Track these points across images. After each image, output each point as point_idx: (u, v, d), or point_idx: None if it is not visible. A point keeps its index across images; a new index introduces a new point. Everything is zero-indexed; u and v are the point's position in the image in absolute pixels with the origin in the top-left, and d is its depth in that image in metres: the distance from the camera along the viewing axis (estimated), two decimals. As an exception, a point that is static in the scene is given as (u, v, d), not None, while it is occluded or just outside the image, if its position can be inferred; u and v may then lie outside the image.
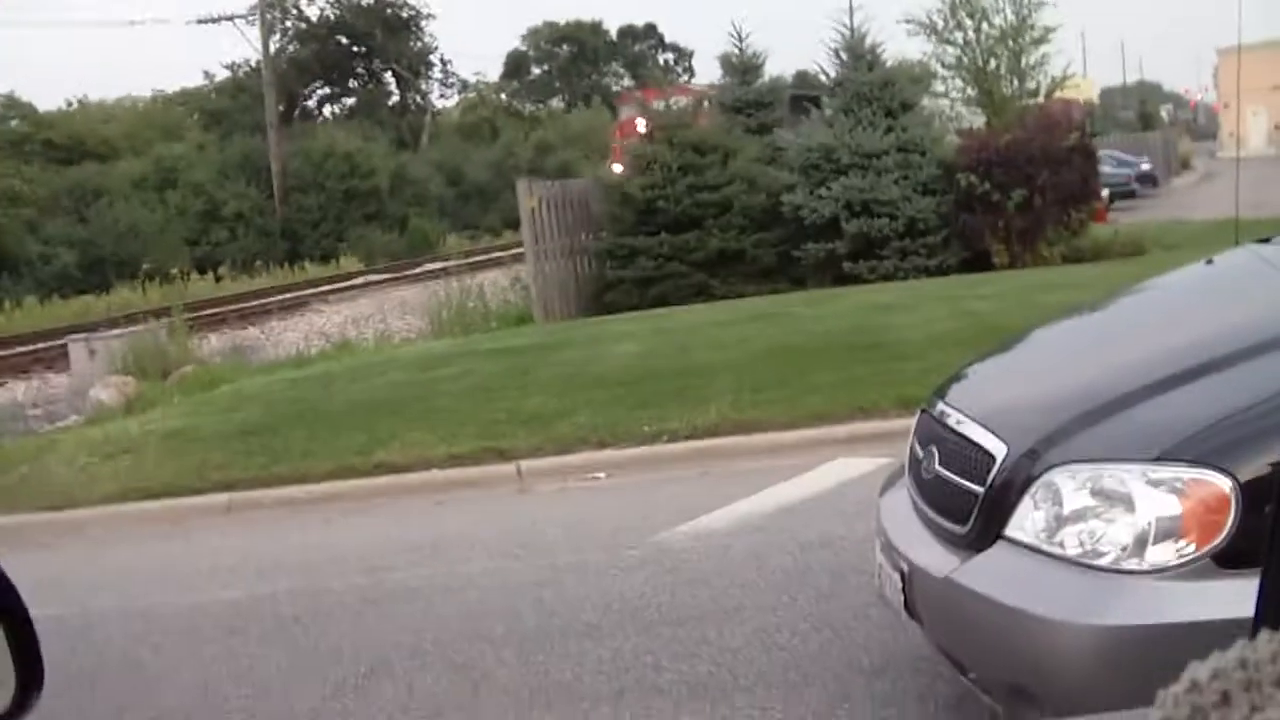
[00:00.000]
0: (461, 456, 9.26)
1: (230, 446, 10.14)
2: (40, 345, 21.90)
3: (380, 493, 9.04)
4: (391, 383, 11.83)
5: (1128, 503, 3.14)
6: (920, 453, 4.04)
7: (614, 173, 38.44)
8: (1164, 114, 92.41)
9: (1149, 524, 3.09)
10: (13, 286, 35.34)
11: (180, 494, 9.43)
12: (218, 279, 34.66)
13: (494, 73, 79.77)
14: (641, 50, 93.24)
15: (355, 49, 63.07)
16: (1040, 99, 24.53)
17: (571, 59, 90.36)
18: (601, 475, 8.80)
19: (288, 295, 28.34)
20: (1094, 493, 3.22)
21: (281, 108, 51.50)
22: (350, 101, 65.59)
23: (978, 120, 23.01)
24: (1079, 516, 3.23)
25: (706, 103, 33.54)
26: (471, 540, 7.49)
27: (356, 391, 11.60)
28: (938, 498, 3.81)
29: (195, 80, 64.04)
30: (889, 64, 18.87)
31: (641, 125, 38.22)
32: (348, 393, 11.59)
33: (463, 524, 8.01)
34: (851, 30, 18.67)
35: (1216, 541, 3.00)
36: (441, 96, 71.00)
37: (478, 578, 6.63)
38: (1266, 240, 4.79)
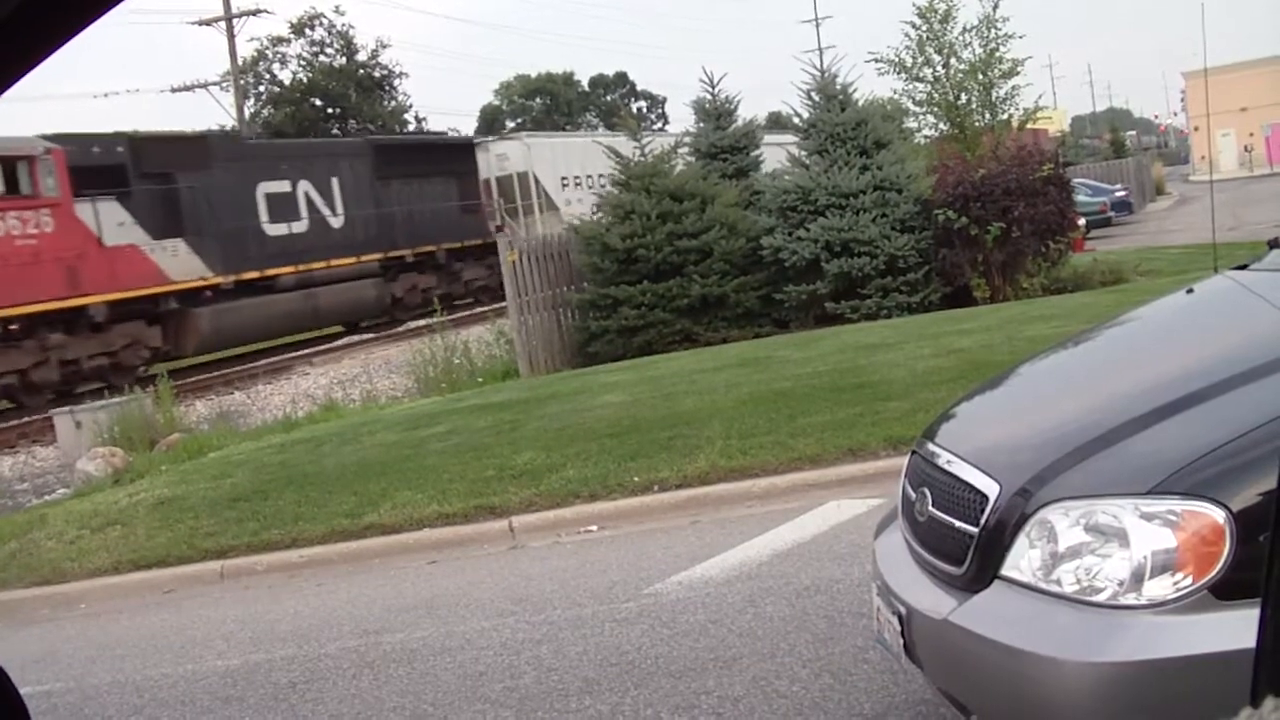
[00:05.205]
0: (453, 515, 9.25)
1: (221, 514, 10.11)
2: (25, 419, 21.77)
3: (373, 554, 9.02)
4: (380, 443, 11.81)
5: (1122, 537, 3.15)
6: (913, 494, 4.05)
7: None
8: (1127, 141, 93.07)
9: (1145, 558, 3.10)
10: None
11: (172, 563, 9.41)
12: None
13: (468, 128, 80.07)
14: (614, 99, 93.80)
15: (329, 111, 63.28)
16: (1014, 130, 24.77)
17: (545, 111, 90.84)
18: (594, 528, 8.79)
19: (272, 358, 28.22)
20: (1088, 529, 3.23)
21: (258, 171, 51.50)
22: (327, 162, 65.73)
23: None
24: (1074, 553, 3.24)
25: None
26: (466, 599, 7.47)
27: (346, 454, 11.58)
28: (932, 539, 3.81)
29: (171, 148, 64.02)
30: (861, 103, 18.95)
31: None
32: (337, 455, 11.57)
33: (457, 583, 7.99)
34: (822, 71, 18.79)
35: (1213, 573, 3.01)
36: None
37: (474, 637, 6.61)
38: (1244, 266, 4.82)
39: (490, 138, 43.50)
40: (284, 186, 30.14)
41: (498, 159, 38.39)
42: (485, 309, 28.24)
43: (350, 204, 32.04)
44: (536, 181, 38.01)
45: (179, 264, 26.57)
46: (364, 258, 32.22)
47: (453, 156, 37.25)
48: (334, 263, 31.00)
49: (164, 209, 26.27)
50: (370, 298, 32.60)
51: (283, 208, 29.92)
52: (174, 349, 26.66)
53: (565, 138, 45.71)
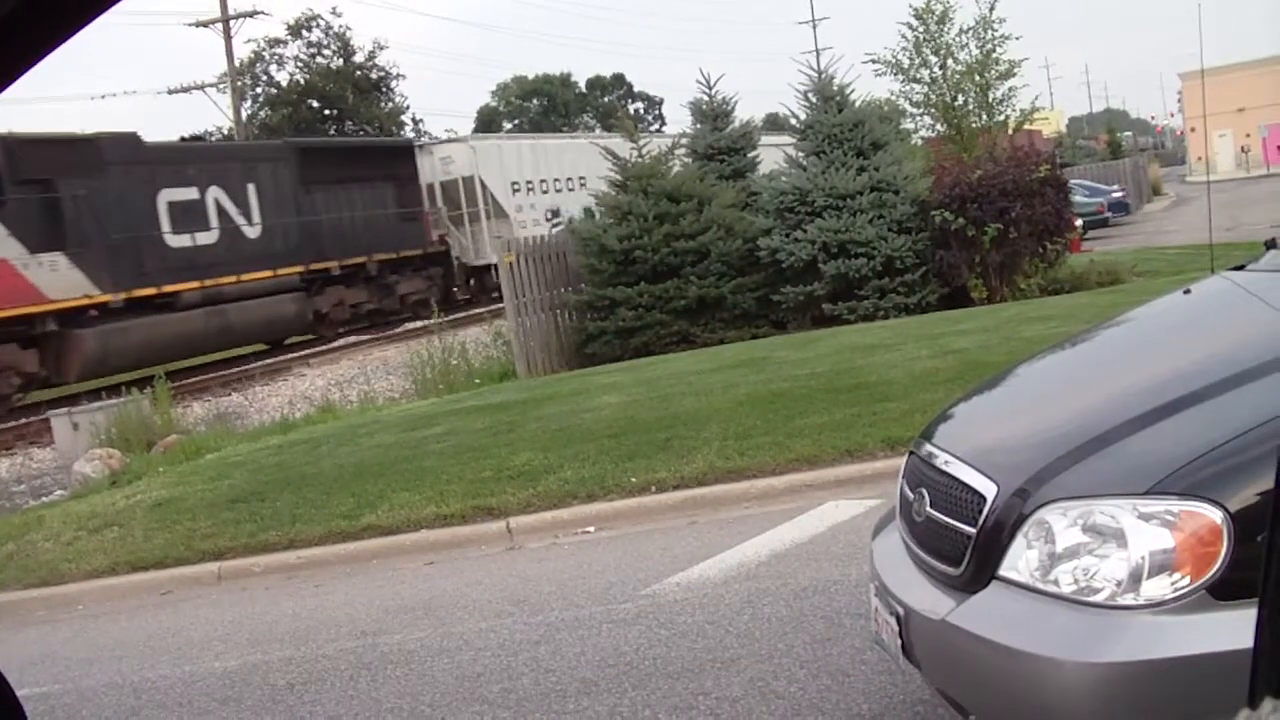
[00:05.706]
0: (451, 516, 9.24)
1: (218, 515, 10.10)
2: (23, 420, 21.72)
3: (371, 556, 9.01)
4: (378, 445, 11.81)
5: (1120, 538, 3.14)
6: (910, 495, 4.05)
7: None
8: (1124, 142, 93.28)
9: (1142, 558, 3.09)
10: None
11: (169, 565, 9.40)
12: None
13: (466, 129, 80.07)
14: (611, 100, 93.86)
15: (327, 112, 63.31)
16: (1009, 132, 24.81)
17: (543, 112, 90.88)
18: (592, 529, 8.79)
19: (270, 360, 28.16)
20: (1086, 529, 3.22)
21: (255, 172, 51.52)
22: (324, 163, 65.86)
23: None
24: (1072, 554, 3.23)
25: None
26: (464, 600, 7.46)
27: (343, 455, 11.57)
28: (930, 540, 3.81)
29: (168, 149, 64.18)
30: (858, 104, 18.95)
31: None
32: (334, 456, 11.56)
33: (455, 584, 7.98)
34: (819, 72, 18.78)
35: (1211, 573, 3.00)
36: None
37: (472, 638, 6.60)
38: (1241, 267, 4.82)
39: (433, 140, 41.06)
40: (190, 194, 27.40)
41: (442, 163, 36.40)
42: (483, 310, 28.09)
43: (269, 212, 29.41)
44: (483, 186, 35.93)
45: (59, 280, 23.76)
46: (282, 271, 29.56)
47: (390, 160, 34.87)
48: (246, 277, 28.34)
49: (42, 219, 23.49)
50: (289, 314, 30.07)
51: (188, 217, 27.14)
52: (54, 374, 24.13)
53: (516, 140, 43.44)
